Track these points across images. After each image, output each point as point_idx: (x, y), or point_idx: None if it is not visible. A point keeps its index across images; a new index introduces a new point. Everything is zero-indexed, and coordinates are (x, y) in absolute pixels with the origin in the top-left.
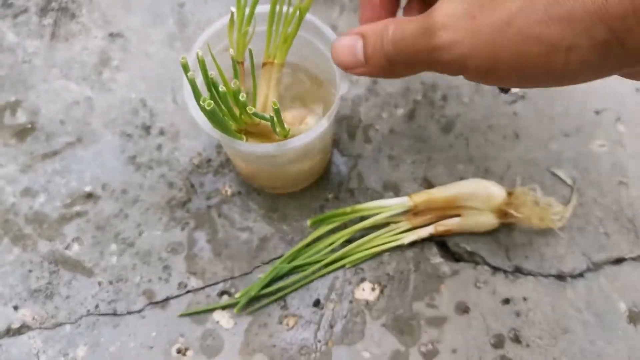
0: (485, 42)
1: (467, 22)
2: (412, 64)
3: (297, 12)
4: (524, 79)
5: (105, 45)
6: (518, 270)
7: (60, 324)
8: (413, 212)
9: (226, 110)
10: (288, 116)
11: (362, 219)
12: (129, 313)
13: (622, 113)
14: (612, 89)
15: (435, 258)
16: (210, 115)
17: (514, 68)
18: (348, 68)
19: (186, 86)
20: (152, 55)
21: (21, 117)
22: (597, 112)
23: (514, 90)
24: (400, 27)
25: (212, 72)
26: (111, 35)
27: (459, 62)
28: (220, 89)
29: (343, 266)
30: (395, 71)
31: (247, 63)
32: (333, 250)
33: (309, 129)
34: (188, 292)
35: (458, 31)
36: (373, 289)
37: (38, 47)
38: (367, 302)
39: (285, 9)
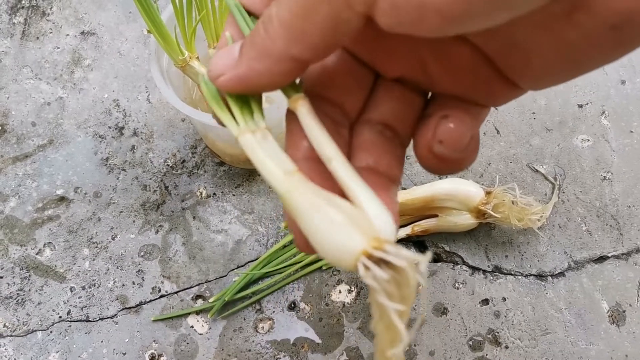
0: None
1: None
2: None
3: None
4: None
5: (77, 44)
6: (497, 270)
7: (32, 331)
8: None
9: None
10: None
11: None
12: (102, 319)
13: (607, 106)
14: (596, 82)
15: None
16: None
17: None
18: (218, 73)
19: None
20: (125, 53)
21: None
22: (580, 106)
23: None
24: None
25: None
26: (83, 33)
27: None
28: None
29: (319, 268)
30: (278, 47)
31: None
32: None
33: None
34: (162, 296)
35: None
36: (350, 291)
37: (8, 47)
38: (343, 305)
39: None
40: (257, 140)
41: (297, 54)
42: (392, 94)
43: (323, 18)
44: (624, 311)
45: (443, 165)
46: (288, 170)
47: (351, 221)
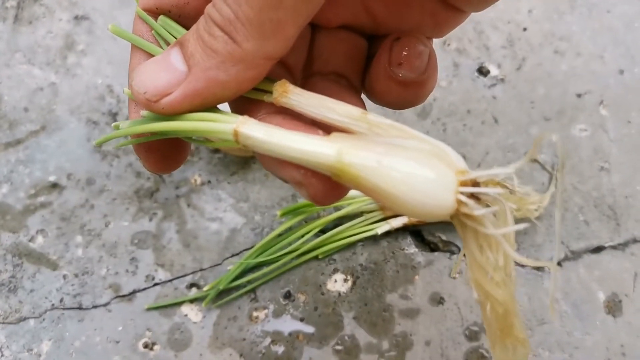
0: None
1: None
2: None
3: None
4: None
5: (70, 29)
6: None
7: (24, 319)
8: None
9: None
10: None
11: (335, 209)
12: (95, 307)
13: (605, 96)
14: (595, 71)
15: (410, 248)
16: None
17: None
18: (160, 93)
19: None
20: (119, 38)
21: None
22: (579, 95)
23: (493, 73)
24: None
25: None
26: (76, 17)
27: None
28: None
29: (315, 257)
30: (245, 52)
31: None
32: (305, 241)
33: None
34: (156, 284)
35: None
36: (346, 280)
37: (1, 31)
38: (339, 294)
39: None
40: (262, 124)
41: (271, 51)
42: (337, 43)
43: None
44: (620, 301)
45: (407, 92)
46: (322, 138)
47: (433, 157)
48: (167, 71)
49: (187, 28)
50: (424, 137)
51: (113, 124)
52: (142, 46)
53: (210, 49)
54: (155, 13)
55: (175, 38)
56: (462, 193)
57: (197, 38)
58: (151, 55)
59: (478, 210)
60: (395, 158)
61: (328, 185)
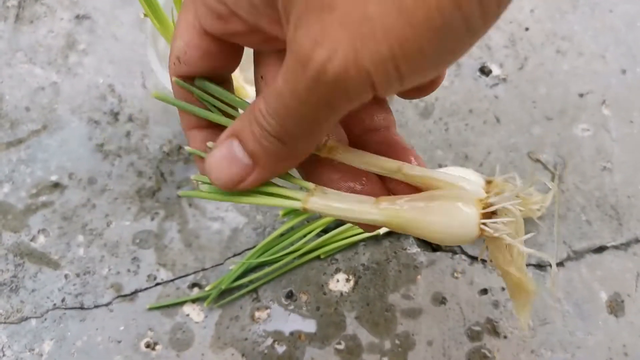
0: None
1: (331, 18)
2: (308, 118)
3: None
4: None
5: (72, 28)
6: None
7: (26, 318)
8: None
9: None
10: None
11: None
12: (97, 306)
13: (608, 96)
14: (597, 71)
15: (412, 248)
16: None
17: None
18: (237, 182)
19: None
20: (120, 38)
21: None
22: (581, 95)
23: (495, 72)
24: (269, 92)
25: None
26: (78, 17)
27: (351, 68)
28: None
29: (317, 257)
30: (296, 149)
31: None
32: (307, 241)
33: None
34: (157, 284)
35: (330, 34)
36: (348, 280)
37: (2, 30)
38: (341, 294)
39: None
40: (323, 197)
41: (318, 142)
42: None
43: (339, 111)
44: (622, 301)
45: (418, 90)
46: (371, 203)
47: (459, 201)
48: (236, 165)
49: (218, 79)
50: (451, 182)
51: (192, 177)
52: (189, 110)
53: (269, 152)
54: (189, 77)
55: (215, 97)
56: (484, 224)
57: (255, 140)
58: (199, 117)
59: (497, 233)
60: (430, 213)
61: (376, 227)
